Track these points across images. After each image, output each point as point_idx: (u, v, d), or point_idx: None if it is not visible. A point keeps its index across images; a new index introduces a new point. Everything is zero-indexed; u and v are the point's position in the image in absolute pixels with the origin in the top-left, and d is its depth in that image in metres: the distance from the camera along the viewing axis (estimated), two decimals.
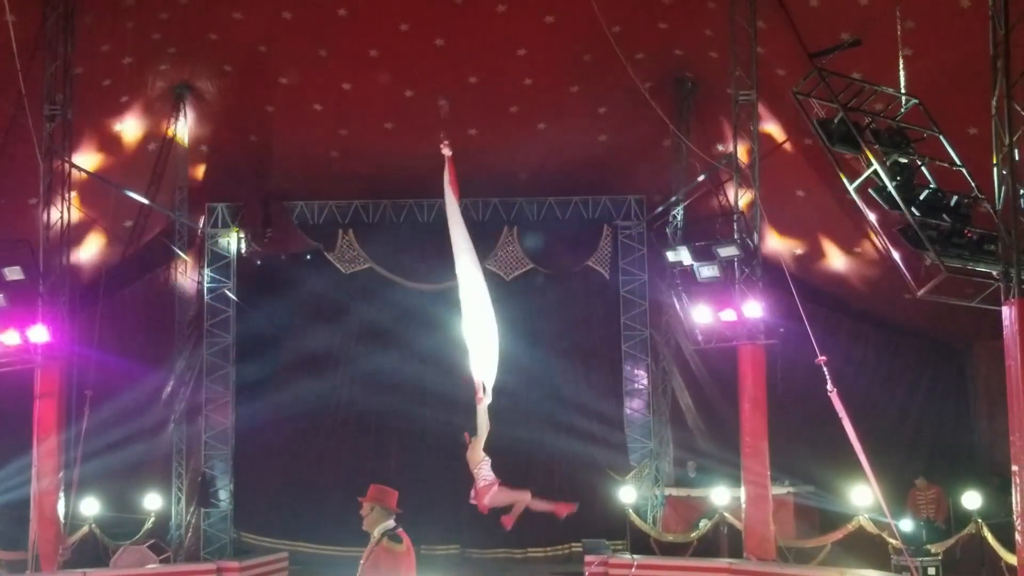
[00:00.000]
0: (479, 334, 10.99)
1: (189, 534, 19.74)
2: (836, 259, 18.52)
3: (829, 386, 12.06)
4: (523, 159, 19.54)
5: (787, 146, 16.87)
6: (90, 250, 18.14)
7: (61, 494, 16.24)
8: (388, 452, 20.77)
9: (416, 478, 20.22)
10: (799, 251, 18.57)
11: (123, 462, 19.98)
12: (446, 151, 11.31)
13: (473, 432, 11.98)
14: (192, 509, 19.87)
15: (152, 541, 18.19)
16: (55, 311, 15.83)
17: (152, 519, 18.62)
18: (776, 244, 17.01)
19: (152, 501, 18.92)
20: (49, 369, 15.99)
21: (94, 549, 17.14)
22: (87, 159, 17.25)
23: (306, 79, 18.12)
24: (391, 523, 7.53)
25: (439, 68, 17.62)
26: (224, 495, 20.28)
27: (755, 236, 16.38)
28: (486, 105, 18.32)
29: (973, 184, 11.40)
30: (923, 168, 11.40)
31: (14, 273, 15.41)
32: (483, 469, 11.62)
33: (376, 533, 7.46)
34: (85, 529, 17.03)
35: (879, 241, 12.00)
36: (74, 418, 16.57)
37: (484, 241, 20.32)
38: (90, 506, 17.44)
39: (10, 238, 15.88)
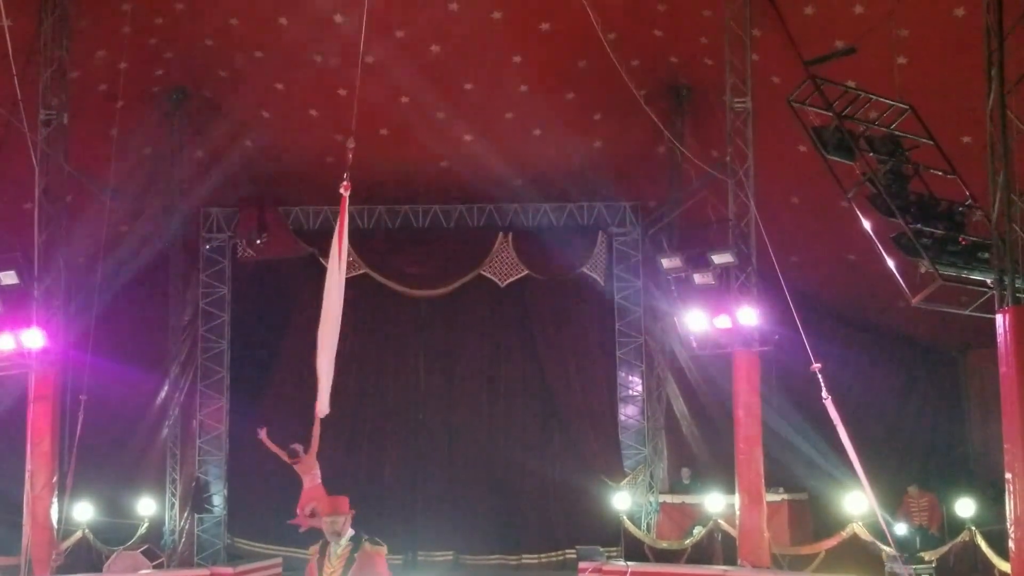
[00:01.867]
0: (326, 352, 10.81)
1: (183, 540, 19.70)
2: (830, 266, 18.56)
3: (824, 393, 12.08)
4: (518, 165, 19.55)
5: (782, 153, 16.90)
6: (85, 255, 18.11)
7: (54, 499, 16.21)
8: (383, 459, 20.75)
9: (411, 484, 20.24)
10: (794, 258, 18.59)
11: (117, 467, 19.99)
12: (345, 192, 11.09)
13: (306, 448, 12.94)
14: (186, 514, 19.84)
15: (146, 547, 18.16)
16: (50, 315, 15.82)
17: (146, 524, 18.59)
18: (771, 251, 17.02)
19: (146, 506, 18.90)
20: (44, 373, 15.97)
21: (87, 554, 17.10)
22: (82, 163, 17.23)
23: (302, 85, 18.14)
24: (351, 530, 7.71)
25: (434, 74, 17.64)
26: (218, 500, 20.23)
27: (750, 243, 16.40)
28: (481, 111, 18.36)
29: (967, 192, 11.45)
30: (918, 176, 11.43)
31: (9, 277, 15.39)
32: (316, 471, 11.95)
33: (345, 541, 7.57)
34: (79, 534, 16.99)
35: (873, 249, 12.02)
36: (68, 423, 16.56)
37: (479, 247, 20.41)
38: (83, 511, 17.40)
39: (5, 242, 15.88)
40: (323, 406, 10.46)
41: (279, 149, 19.41)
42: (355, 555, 7.51)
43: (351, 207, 20.14)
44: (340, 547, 7.57)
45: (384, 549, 7.61)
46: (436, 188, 20.19)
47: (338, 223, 11.03)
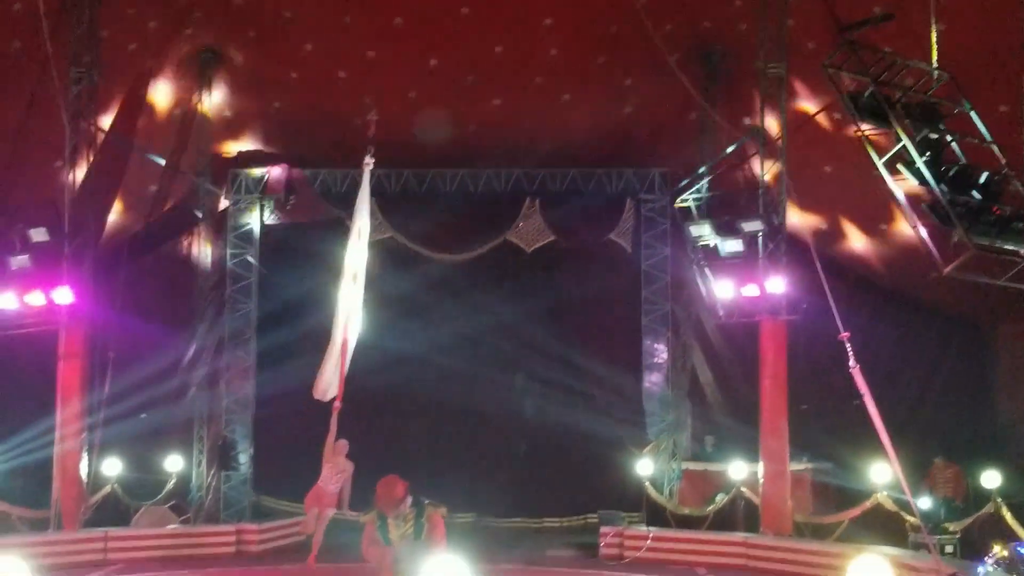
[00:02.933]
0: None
1: (209, 496, 19.89)
2: (861, 235, 18.42)
3: (851, 362, 11.99)
4: (547, 130, 19.43)
5: (815, 120, 16.74)
6: (114, 214, 18.21)
7: (84, 454, 16.40)
8: (407, 421, 20.84)
9: (434, 447, 20.33)
10: (824, 227, 18.48)
11: (145, 425, 20.16)
12: (369, 162, 11.15)
13: None
14: (212, 472, 20.01)
15: (173, 502, 18.37)
16: (80, 273, 15.92)
17: (173, 481, 18.77)
18: (801, 220, 16.92)
19: (173, 463, 19.08)
20: (73, 330, 16.12)
21: (116, 509, 17.31)
22: (112, 123, 17.28)
23: (331, 46, 18.08)
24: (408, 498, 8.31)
25: (464, 37, 17.56)
26: (244, 459, 20.40)
27: (780, 211, 16.29)
28: (511, 75, 18.25)
29: (1003, 161, 11.29)
30: (953, 144, 11.28)
31: (39, 234, 15.53)
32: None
33: (407, 508, 7.89)
34: (107, 489, 17.18)
35: (906, 218, 11.89)
36: (97, 380, 16.73)
37: (506, 212, 20.33)
38: (112, 467, 17.60)
39: (36, 200, 15.98)
40: (320, 390, 10.57)
41: (307, 111, 19.37)
42: (422, 520, 7.81)
43: (380, 170, 20.39)
44: (404, 515, 7.88)
45: (444, 510, 8.34)
46: (464, 152, 20.11)
47: (359, 195, 11.07)
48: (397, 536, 8.16)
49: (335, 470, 11.53)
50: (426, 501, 8.28)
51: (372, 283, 21.66)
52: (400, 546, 8.20)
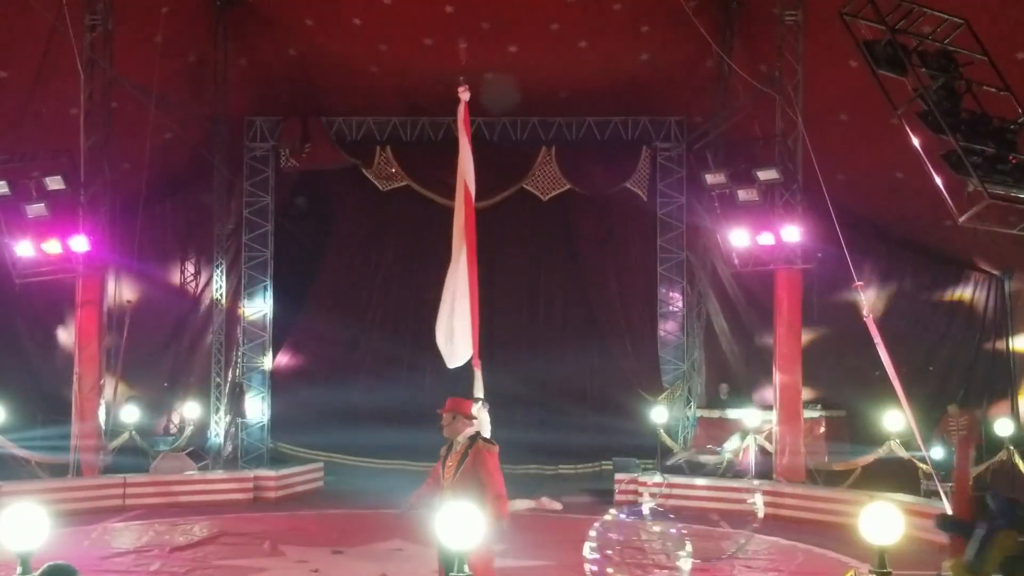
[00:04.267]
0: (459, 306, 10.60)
1: (227, 443, 20.10)
2: (878, 185, 18.32)
3: (865, 311, 12.02)
4: (563, 78, 19.35)
5: (832, 68, 16.60)
6: (130, 161, 18.25)
7: (102, 400, 16.57)
8: (423, 369, 20.95)
9: (452, 393, 20.45)
10: (840, 176, 18.37)
11: (163, 371, 20.38)
12: (464, 95, 11.08)
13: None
14: (230, 419, 20.21)
15: (191, 449, 18.56)
16: (96, 221, 15.99)
17: (191, 427, 18.96)
18: (817, 168, 16.83)
19: (191, 410, 19.26)
20: (90, 278, 16.23)
21: (134, 455, 17.51)
22: (127, 70, 17.26)
23: None
24: (473, 428, 8.04)
25: None
26: (262, 406, 20.61)
27: (796, 160, 16.22)
28: (527, 22, 18.10)
29: (1020, 110, 11.18)
30: (970, 92, 11.18)
31: (55, 183, 15.57)
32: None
33: (462, 439, 7.86)
34: (125, 436, 17.37)
35: (922, 167, 11.83)
36: (115, 327, 16.86)
37: (522, 161, 20.29)
38: (130, 413, 17.77)
39: (52, 148, 16.01)
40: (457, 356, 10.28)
41: (323, 58, 19.30)
42: (469, 451, 7.77)
43: (396, 118, 20.37)
44: (458, 445, 7.81)
45: (496, 448, 7.92)
46: (480, 100, 20.01)
47: (463, 124, 10.98)
48: (443, 470, 7.87)
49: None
50: (481, 437, 7.97)
51: (388, 231, 21.95)
52: (445, 483, 7.74)
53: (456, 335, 10.26)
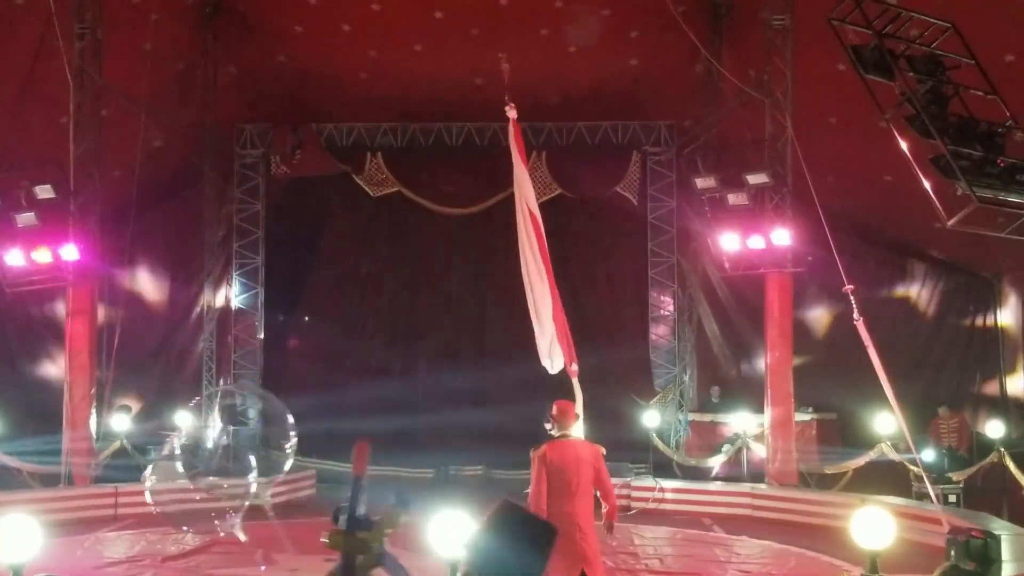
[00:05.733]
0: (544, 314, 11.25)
1: (218, 451, 20.02)
2: (867, 188, 18.38)
3: (856, 315, 12.03)
4: (553, 83, 19.37)
5: (820, 72, 16.64)
6: (120, 170, 18.22)
7: (93, 410, 16.51)
8: (415, 375, 20.99)
9: (443, 402, 20.43)
10: (829, 179, 18.41)
11: (154, 380, 20.31)
12: (511, 113, 11.20)
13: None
14: (221, 427, 20.14)
15: (182, 457, 18.46)
16: (86, 230, 15.96)
17: (182, 436, 18.87)
18: (806, 172, 16.88)
19: (182, 418, 19.18)
20: (81, 287, 16.19)
21: (125, 464, 17.42)
22: (117, 78, 17.24)
23: None
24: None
25: None
26: (252, 414, 20.55)
27: (786, 164, 16.26)
28: (516, 27, 18.13)
29: (1008, 113, 11.23)
30: (957, 96, 11.22)
31: (45, 192, 15.52)
32: None
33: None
34: (116, 444, 17.30)
35: (910, 170, 11.86)
36: (106, 335, 16.81)
37: (512, 165, 20.21)
38: (121, 422, 17.71)
39: (41, 157, 15.97)
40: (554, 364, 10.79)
41: (312, 64, 19.30)
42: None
43: (386, 124, 20.36)
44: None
45: (534, 452, 8.73)
46: (470, 105, 20.05)
47: (515, 143, 11.13)
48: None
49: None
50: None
51: (379, 237, 21.92)
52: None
53: (552, 350, 11.09)
